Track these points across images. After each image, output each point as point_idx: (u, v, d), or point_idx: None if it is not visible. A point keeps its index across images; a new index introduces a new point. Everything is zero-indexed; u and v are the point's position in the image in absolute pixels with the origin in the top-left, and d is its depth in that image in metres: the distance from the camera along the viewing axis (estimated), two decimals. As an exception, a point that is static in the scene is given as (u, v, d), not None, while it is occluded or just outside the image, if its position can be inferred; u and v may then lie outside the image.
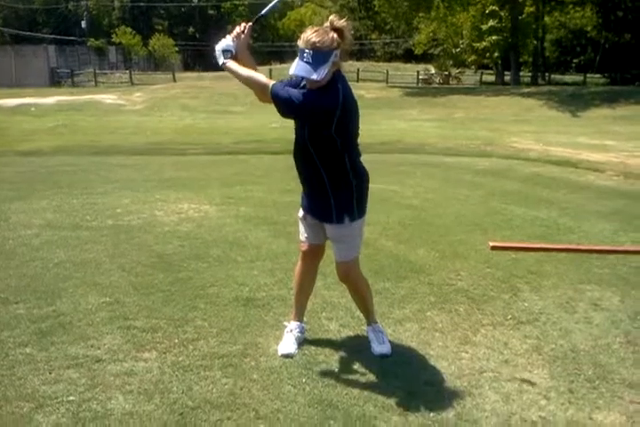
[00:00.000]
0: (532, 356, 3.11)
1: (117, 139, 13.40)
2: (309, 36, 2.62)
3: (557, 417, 2.58)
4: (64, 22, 56.91)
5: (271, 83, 2.75)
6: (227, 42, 2.86)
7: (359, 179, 2.90)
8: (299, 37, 2.68)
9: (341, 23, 2.67)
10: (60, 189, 7.31)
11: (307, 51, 2.60)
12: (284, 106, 2.71)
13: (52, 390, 2.70)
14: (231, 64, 2.84)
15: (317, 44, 2.59)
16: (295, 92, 2.69)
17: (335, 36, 2.64)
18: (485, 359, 3.06)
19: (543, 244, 5.03)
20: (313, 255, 3.15)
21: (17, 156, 10.78)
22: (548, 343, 3.25)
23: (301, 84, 2.78)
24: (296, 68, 2.63)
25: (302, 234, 3.12)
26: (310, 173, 2.90)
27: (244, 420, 2.51)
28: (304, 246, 3.13)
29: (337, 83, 2.70)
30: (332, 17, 2.69)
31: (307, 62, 2.60)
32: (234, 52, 2.86)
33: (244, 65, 2.87)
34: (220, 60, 2.85)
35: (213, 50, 2.87)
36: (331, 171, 2.83)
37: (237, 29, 2.89)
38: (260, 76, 2.81)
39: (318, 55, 2.59)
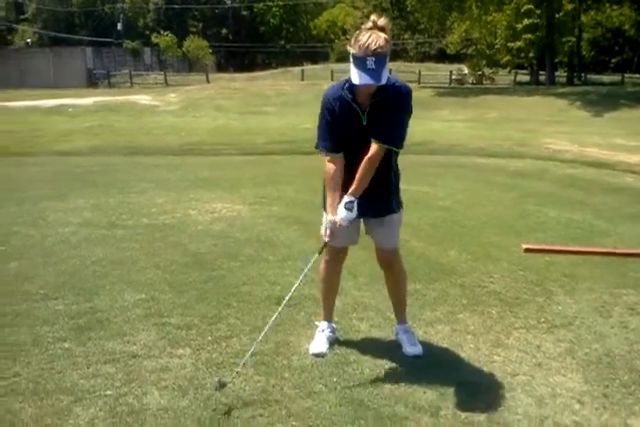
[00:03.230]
0: (565, 360, 3.08)
1: (153, 139, 13.60)
2: (367, 42, 2.63)
3: (591, 422, 2.56)
4: (101, 24, 57.92)
5: (373, 152, 2.78)
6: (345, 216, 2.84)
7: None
8: (348, 43, 2.70)
9: (383, 21, 2.70)
10: (97, 188, 7.47)
11: (369, 58, 2.61)
12: (406, 128, 2.87)
13: (90, 384, 2.78)
14: (352, 197, 2.83)
15: (379, 50, 2.62)
16: (397, 115, 2.80)
17: (386, 36, 2.67)
18: (518, 362, 3.04)
19: (578, 247, 4.96)
20: (343, 256, 3.20)
21: (54, 155, 11.04)
22: (582, 347, 3.22)
23: (348, 97, 2.81)
24: (360, 78, 2.64)
25: (336, 239, 2.97)
26: (378, 171, 2.87)
27: (276, 417, 2.54)
28: (337, 250, 3.11)
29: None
30: (373, 17, 2.72)
31: (370, 69, 2.62)
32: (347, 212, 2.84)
33: (339, 190, 2.89)
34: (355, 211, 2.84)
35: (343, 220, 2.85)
36: (395, 163, 2.99)
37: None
38: (362, 170, 2.81)
39: (380, 60, 2.63)
